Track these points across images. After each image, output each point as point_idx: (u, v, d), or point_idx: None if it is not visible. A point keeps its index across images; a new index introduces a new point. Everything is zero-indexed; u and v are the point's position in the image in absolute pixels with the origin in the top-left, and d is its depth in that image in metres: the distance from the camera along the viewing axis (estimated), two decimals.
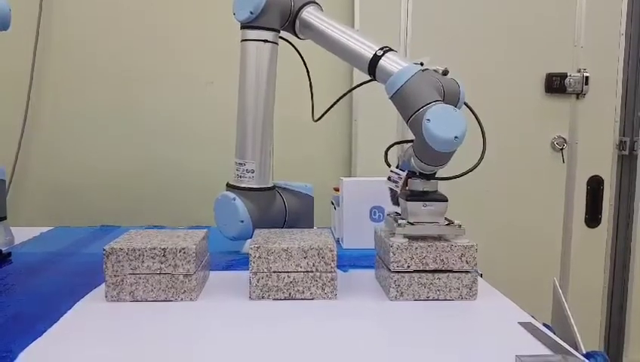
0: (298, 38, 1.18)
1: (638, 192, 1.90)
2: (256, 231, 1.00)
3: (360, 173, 1.83)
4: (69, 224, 1.62)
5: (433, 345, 0.72)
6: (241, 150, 1.16)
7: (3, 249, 1.17)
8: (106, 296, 0.87)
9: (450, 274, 0.89)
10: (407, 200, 0.93)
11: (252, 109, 1.14)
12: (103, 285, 0.88)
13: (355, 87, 1.18)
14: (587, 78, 1.86)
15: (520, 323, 0.79)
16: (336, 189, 1.35)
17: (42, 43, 1.78)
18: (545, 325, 0.81)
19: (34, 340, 0.72)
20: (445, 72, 0.96)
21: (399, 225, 0.91)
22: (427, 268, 0.88)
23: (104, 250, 0.87)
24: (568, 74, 1.86)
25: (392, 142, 1.05)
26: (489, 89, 1.84)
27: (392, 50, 1.00)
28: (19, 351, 0.69)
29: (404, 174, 0.94)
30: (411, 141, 0.94)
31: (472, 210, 1.82)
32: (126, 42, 1.81)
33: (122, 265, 0.87)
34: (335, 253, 0.88)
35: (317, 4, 1.16)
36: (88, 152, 1.83)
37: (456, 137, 0.85)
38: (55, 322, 0.79)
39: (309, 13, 1.13)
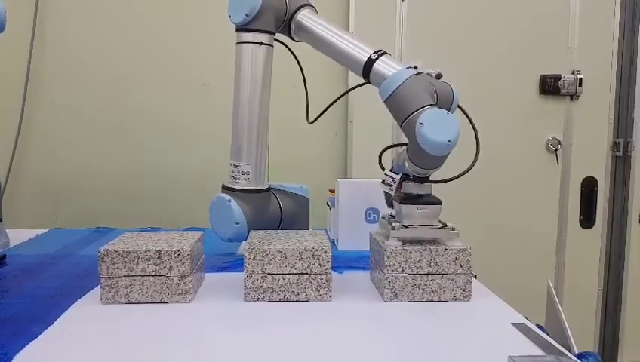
0: (293, 40, 1.19)
1: (632, 193, 1.92)
2: (252, 233, 1.01)
3: (356, 174, 1.83)
4: (64, 225, 1.62)
5: (427, 346, 0.73)
6: (236, 152, 1.16)
7: None
8: (101, 298, 0.87)
9: (445, 276, 0.89)
10: (401, 203, 0.93)
11: (247, 111, 1.15)
12: (98, 287, 0.88)
13: (349, 90, 1.19)
14: (581, 79, 1.87)
15: (513, 323, 0.80)
16: (332, 191, 1.35)
17: (38, 44, 1.78)
18: (538, 326, 0.82)
19: (29, 342, 0.72)
20: (439, 76, 0.96)
21: (393, 228, 0.91)
22: (421, 272, 0.89)
23: (99, 252, 0.87)
24: (562, 75, 1.87)
25: (386, 146, 1.06)
26: (483, 91, 1.85)
27: (387, 53, 1.01)
28: (14, 353, 0.69)
29: (398, 177, 0.94)
30: (405, 144, 0.94)
31: (466, 211, 1.83)
32: (122, 43, 1.81)
33: (117, 267, 0.87)
34: (330, 254, 0.88)
35: (312, 6, 1.16)
36: (84, 154, 1.83)
37: (449, 141, 0.85)
38: (50, 324, 0.79)
39: (304, 16, 1.13)
